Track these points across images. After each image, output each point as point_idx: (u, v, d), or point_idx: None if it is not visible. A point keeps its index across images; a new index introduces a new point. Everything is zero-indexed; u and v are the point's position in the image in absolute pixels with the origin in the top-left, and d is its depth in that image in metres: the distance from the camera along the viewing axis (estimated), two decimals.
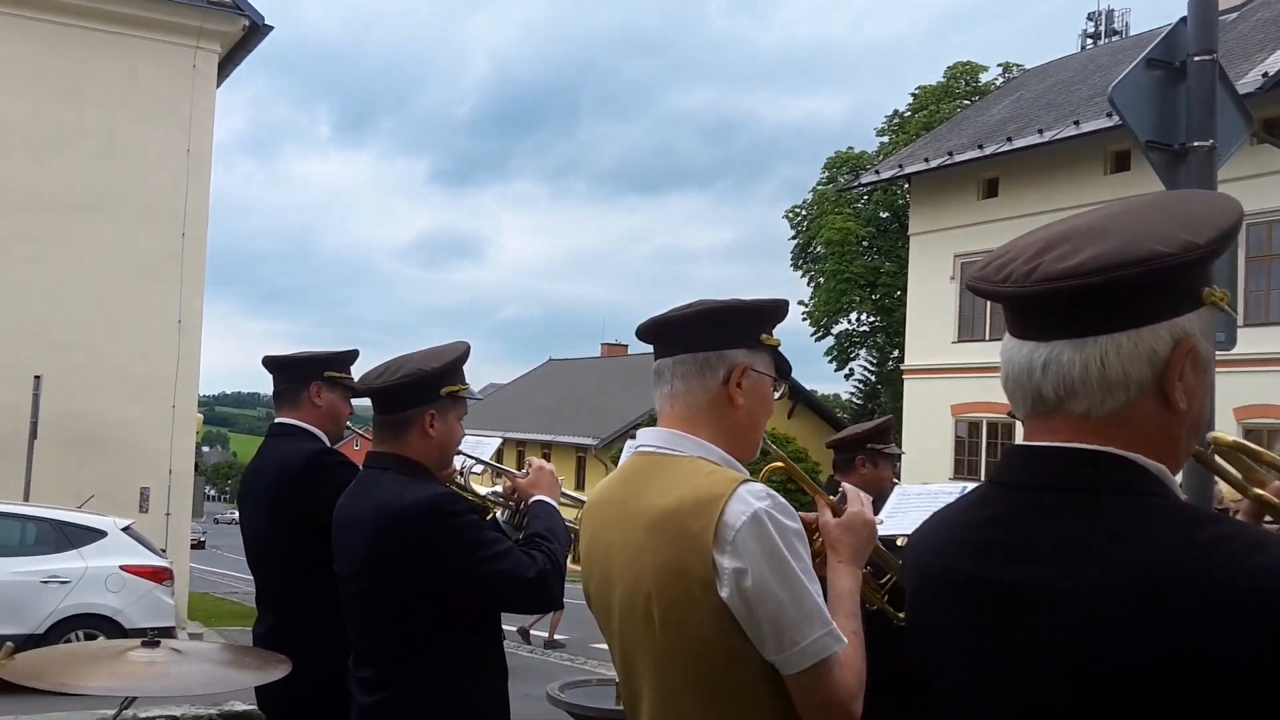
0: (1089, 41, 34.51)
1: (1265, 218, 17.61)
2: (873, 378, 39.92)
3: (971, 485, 2.75)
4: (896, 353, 34.52)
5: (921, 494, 3.04)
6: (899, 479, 3.86)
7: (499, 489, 3.02)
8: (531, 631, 14.57)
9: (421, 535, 2.33)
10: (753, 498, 1.60)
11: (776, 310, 1.90)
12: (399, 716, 2.38)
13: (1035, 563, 1.08)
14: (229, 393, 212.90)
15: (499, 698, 2.49)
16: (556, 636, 14.56)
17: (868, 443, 3.73)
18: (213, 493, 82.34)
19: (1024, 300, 1.13)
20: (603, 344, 52.10)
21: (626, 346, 51.02)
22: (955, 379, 23.64)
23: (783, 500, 1.63)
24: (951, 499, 2.77)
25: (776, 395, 1.87)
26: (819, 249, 37.48)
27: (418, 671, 2.37)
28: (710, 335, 1.80)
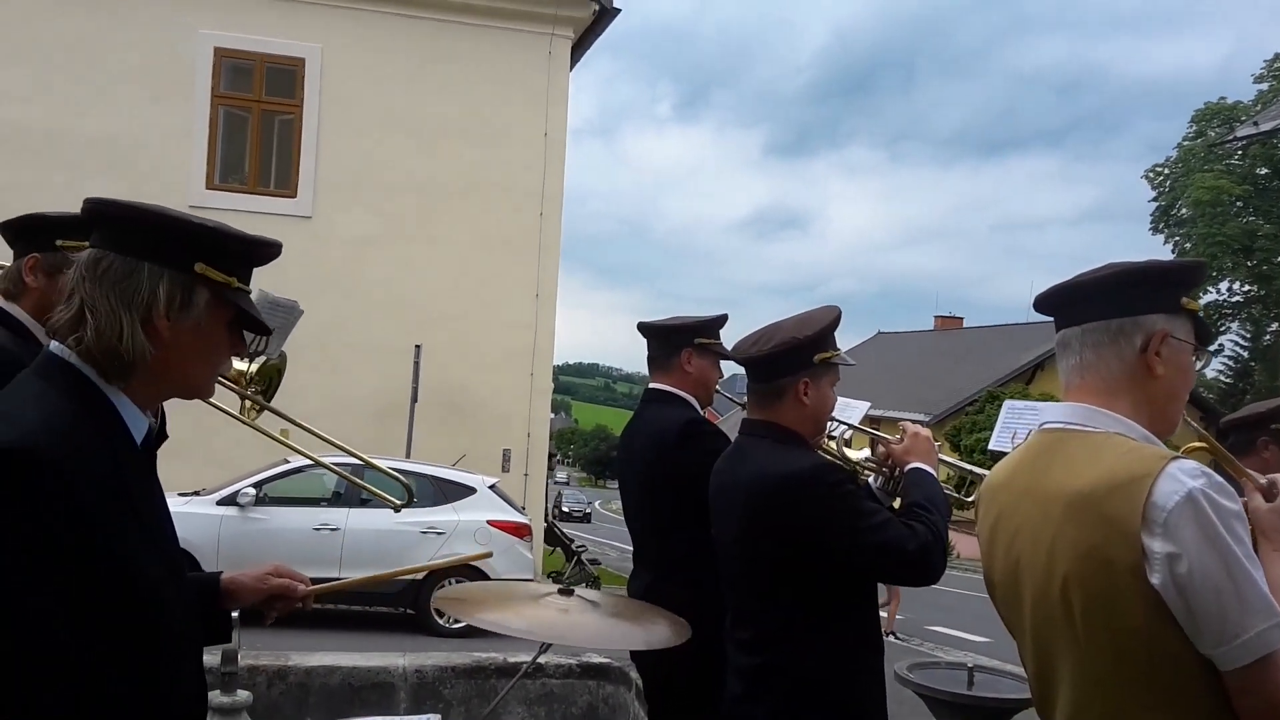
0: None
1: None
2: (1245, 354, 36.03)
3: None
4: (1276, 326, 30.94)
5: None
6: None
7: (867, 452, 2.98)
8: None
9: (801, 505, 2.32)
10: (1186, 476, 1.49)
11: (1196, 271, 1.77)
12: (779, 678, 2.39)
13: None
14: (571, 363, 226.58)
15: (875, 669, 2.46)
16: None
17: (1272, 422, 3.34)
18: (558, 457, 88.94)
19: None
20: (935, 316, 50.38)
21: (961, 319, 49.06)
22: None
23: (1219, 479, 1.50)
24: None
25: (1199, 365, 1.73)
26: (1184, 211, 34.28)
27: (797, 636, 2.38)
28: (1124, 300, 1.68)
